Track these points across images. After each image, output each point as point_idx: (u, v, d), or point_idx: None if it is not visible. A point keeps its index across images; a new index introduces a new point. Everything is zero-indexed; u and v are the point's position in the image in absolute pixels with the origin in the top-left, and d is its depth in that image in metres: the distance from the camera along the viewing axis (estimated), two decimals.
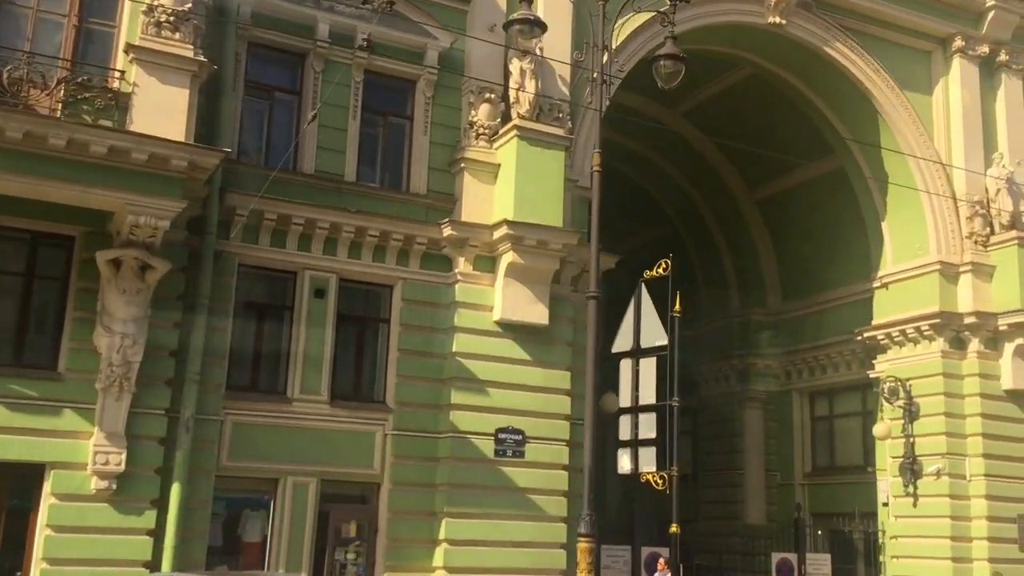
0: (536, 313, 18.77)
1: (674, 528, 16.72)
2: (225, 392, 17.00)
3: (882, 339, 25.08)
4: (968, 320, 23.64)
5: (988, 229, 24.53)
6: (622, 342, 15.99)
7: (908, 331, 24.34)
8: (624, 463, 15.75)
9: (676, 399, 17.26)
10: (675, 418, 17.46)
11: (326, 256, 18.05)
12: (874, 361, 25.55)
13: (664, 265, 17.17)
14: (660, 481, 16.00)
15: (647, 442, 15.40)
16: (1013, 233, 24.04)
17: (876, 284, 25.65)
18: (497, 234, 18.49)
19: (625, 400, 15.73)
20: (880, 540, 24.84)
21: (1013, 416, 23.68)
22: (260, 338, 17.84)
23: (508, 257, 18.54)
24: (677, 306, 17.97)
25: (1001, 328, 23.64)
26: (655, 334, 15.70)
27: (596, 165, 15.50)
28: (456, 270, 18.79)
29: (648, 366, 15.57)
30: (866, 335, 25.45)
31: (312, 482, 17.37)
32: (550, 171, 18.92)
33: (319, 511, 17.42)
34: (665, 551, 22.24)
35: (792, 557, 23.49)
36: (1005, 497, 23.10)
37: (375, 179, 19.18)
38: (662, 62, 15.67)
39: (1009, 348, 23.76)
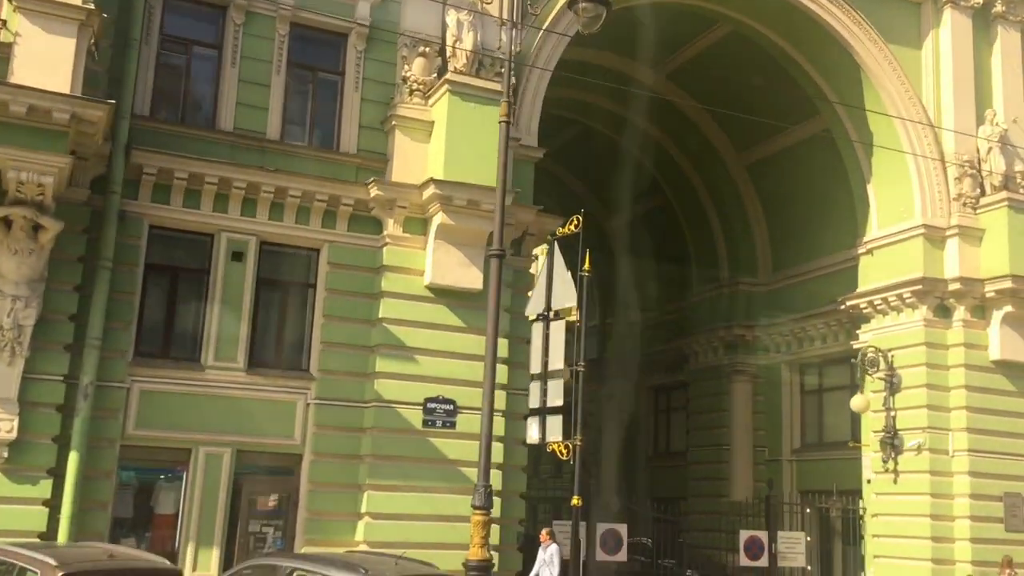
0: (469, 277, 17.84)
1: (575, 500, 15.71)
2: (133, 358, 16.35)
3: (865, 308, 23.78)
4: (953, 287, 22.28)
5: (978, 191, 23.09)
6: (535, 305, 14.99)
7: (890, 299, 23.04)
8: (532, 432, 14.79)
9: (583, 363, 16.22)
10: (580, 384, 16.42)
11: (245, 218, 17.28)
12: (858, 331, 24.27)
13: (576, 221, 16.15)
14: (565, 451, 15.02)
15: (554, 410, 14.41)
16: (1003, 194, 22.58)
17: (861, 250, 24.33)
18: (426, 194, 17.59)
19: (535, 366, 14.75)
20: (861, 518, 23.65)
21: (1000, 388, 22.30)
22: (173, 303, 17.15)
23: (438, 218, 17.64)
24: (586, 265, 16.92)
25: (989, 295, 22.24)
26: (566, 296, 14.68)
27: (503, 115, 14.50)
28: (385, 232, 17.92)
29: (558, 330, 14.56)
30: (849, 304, 24.17)
31: (226, 453, 16.66)
32: (484, 128, 17.88)
33: (234, 483, 16.71)
34: (623, 527, 21.40)
35: (763, 535, 22.40)
36: (990, 474, 21.76)
37: (303, 137, 18.33)
38: (581, 4, 14.59)
39: (997, 316, 22.36)
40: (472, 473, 17.50)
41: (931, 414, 22.01)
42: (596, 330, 36.63)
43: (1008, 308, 22.15)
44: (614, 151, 31.63)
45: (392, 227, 17.92)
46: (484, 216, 17.72)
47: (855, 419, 25.20)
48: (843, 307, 24.37)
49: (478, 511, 13.28)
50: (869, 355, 22.87)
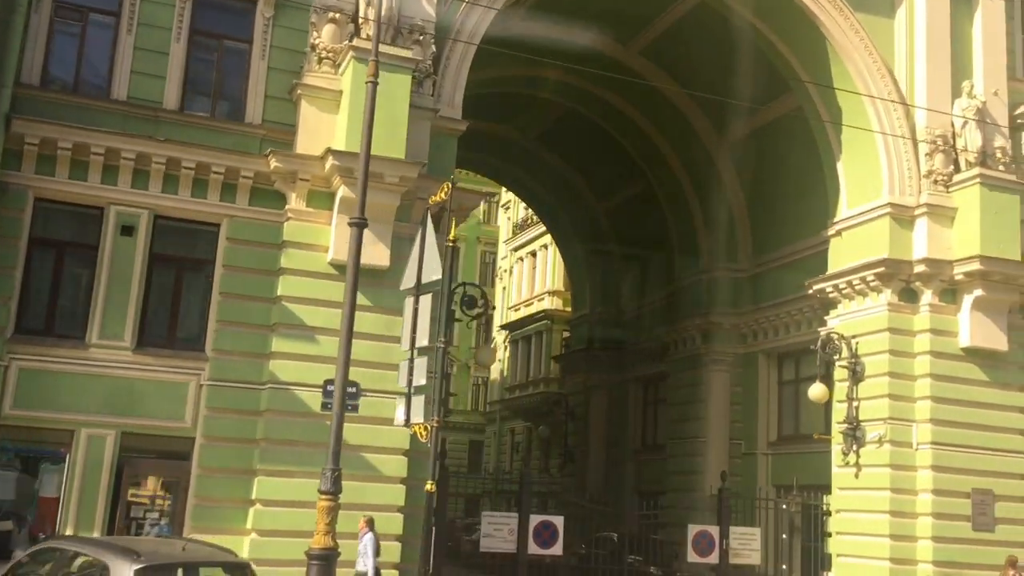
0: (375, 254, 16.96)
1: (429, 486, 14.71)
2: (12, 335, 15.78)
3: (831, 292, 22.46)
4: (919, 269, 20.89)
5: (952, 168, 21.64)
6: (407, 279, 14.08)
7: (855, 283, 21.70)
8: (399, 414, 13.88)
9: (443, 339, 15.23)
10: (443, 362, 15.43)
11: (136, 190, 16.65)
12: (826, 317, 22.95)
13: (446, 188, 15.18)
14: (424, 432, 14.09)
15: (419, 389, 13.49)
16: (976, 171, 21.10)
17: (831, 232, 23.00)
18: (327, 166, 16.76)
19: (405, 343, 13.82)
20: (828, 515, 22.33)
21: (970, 377, 20.83)
22: (58, 278, 16.56)
23: (341, 192, 16.80)
24: (452, 234, 15.89)
25: (958, 278, 20.81)
26: (434, 269, 13.76)
27: (370, 75, 13.62)
28: (287, 207, 17.14)
29: (425, 304, 13.64)
30: (815, 288, 22.85)
31: (110, 435, 16.03)
32: (393, 97, 17.02)
33: (118, 467, 16.05)
34: (559, 519, 20.39)
35: (713, 530, 21.20)
36: (956, 469, 20.32)
37: (207, 108, 17.60)
38: None
39: (967, 301, 20.90)
40: (377, 460, 16.85)
41: (893, 404, 20.65)
42: (587, 319, 35.62)
43: (978, 292, 20.69)
44: (598, 134, 30.65)
45: (295, 201, 17.14)
46: (390, 189, 16.89)
47: (828, 412, 23.89)
48: (810, 292, 23.05)
49: (324, 496, 12.41)
50: (830, 341, 21.57)
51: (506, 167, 35.27)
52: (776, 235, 26.73)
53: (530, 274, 47.15)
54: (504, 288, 50.78)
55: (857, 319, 21.80)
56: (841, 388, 21.70)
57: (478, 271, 54.93)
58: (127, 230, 16.50)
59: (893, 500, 20.24)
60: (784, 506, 22.91)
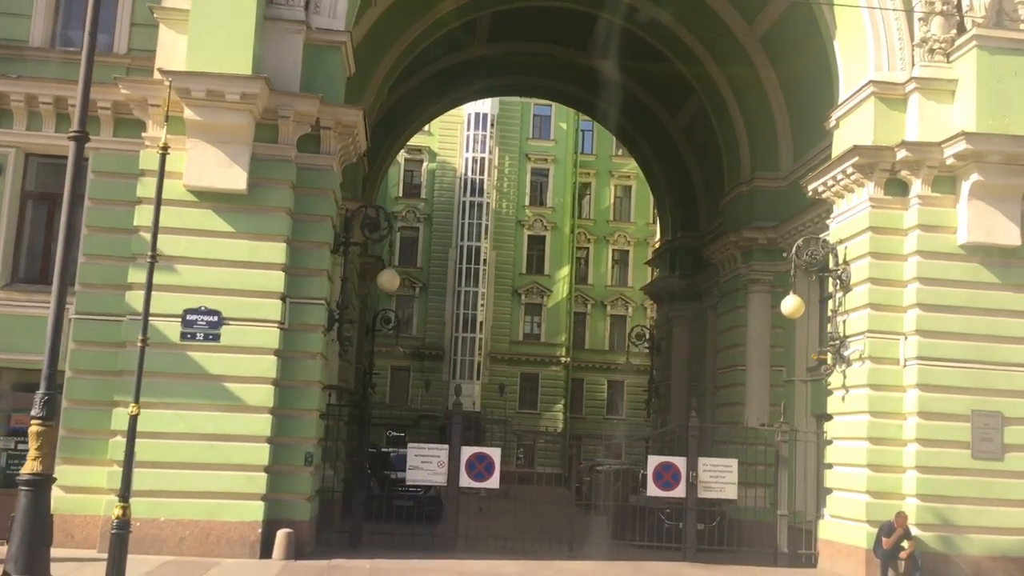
0: (230, 178, 16.32)
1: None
2: None
3: (823, 192, 19.61)
4: (901, 155, 17.76)
5: (954, 32, 18.22)
6: None
7: (839, 178, 18.81)
8: None
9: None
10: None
11: (3, 130, 16.75)
12: (828, 221, 20.10)
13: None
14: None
15: None
16: (973, 32, 17.63)
17: (831, 125, 20.03)
18: (169, 88, 16.11)
19: None
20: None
21: (971, 280, 17.57)
22: None
23: (186, 114, 16.22)
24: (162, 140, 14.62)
25: (949, 162, 17.53)
26: None
27: None
28: (144, 135, 16.77)
29: None
30: (811, 188, 20.02)
31: None
32: (237, 10, 16.24)
33: None
34: (496, 451, 19.15)
35: (679, 461, 19.15)
36: (949, 387, 17.26)
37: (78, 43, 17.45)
38: None
39: (965, 188, 17.58)
40: (240, 389, 16.30)
41: (875, 315, 17.81)
42: (669, 247, 33.38)
43: (976, 177, 17.34)
44: (647, 50, 28.35)
45: (152, 128, 16.71)
46: (235, 108, 16.13)
47: None
48: (810, 195, 20.25)
49: (34, 421, 11.95)
50: (808, 246, 18.87)
51: (574, 91, 33.49)
52: (813, 135, 23.65)
53: None
54: None
55: (845, 221, 18.94)
56: (834, 301, 18.98)
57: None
58: None
59: (872, 425, 17.50)
60: (778, 437, 20.31)
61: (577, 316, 55.73)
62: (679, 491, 19.03)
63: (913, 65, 18.20)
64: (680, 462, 19.11)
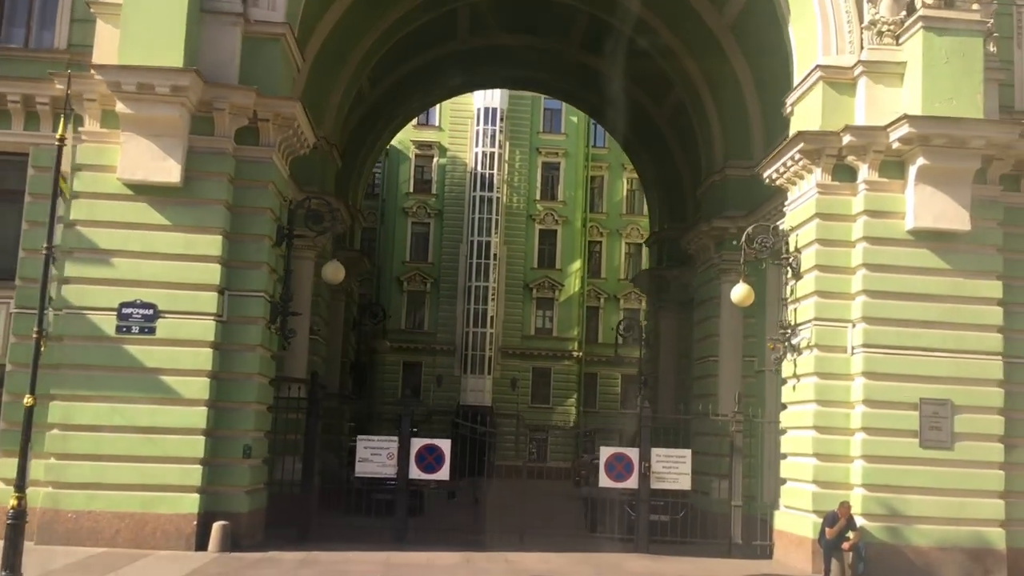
0: (164, 171, 16.42)
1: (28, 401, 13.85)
2: None
3: (776, 178, 19.33)
4: (847, 140, 17.44)
5: (903, 14, 17.85)
6: None
7: (788, 164, 18.53)
8: None
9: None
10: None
11: None
12: (784, 209, 19.81)
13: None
14: None
15: None
16: (920, 12, 17.27)
17: (787, 111, 19.74)
18: (102, 83, 16.31)
19: None
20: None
21: (919, 266, 17.24)
22: None
23: (118, 107, 16.34)
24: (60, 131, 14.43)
25: (895, 147, 17.18)
26: None
27: None
28: (82, 129, 16.92)
29: None
30: (764, 176, 19.75)
31: None
32: (169, 3, 16.34)
33: None
34: (446, 443, 19.09)
35: (632, 452, 18.98)
36: (896, 375, 16.96)
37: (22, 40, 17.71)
38: None
39: (912, 173, 17.23)
40: (176, 382, 16.39)
41: (822, 303, 17.53)
42: (657, 238, 33.13)
43: (922, 161, 16.99)
44: (626, 43, 28.09)
45: (89, 123, 16.88)
46: (166, 101, 16.21)
47: None
48: (766, 181, 19.96)
49: None
50: (759, 234, 18.61)
51: (560, 83, 33.35)
52: (784, 122, 23.26)
53: None
54: None
55: (797, 208, 18.68)
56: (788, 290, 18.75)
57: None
58: None
59: (819, 414, 17.24)
60: (732, 427, 20.03)
61: (590, 310, 55.46)
62: (631, 482, 18.85)
63: (862, 48, 17.88)
64: (633, 453, 18.96)
